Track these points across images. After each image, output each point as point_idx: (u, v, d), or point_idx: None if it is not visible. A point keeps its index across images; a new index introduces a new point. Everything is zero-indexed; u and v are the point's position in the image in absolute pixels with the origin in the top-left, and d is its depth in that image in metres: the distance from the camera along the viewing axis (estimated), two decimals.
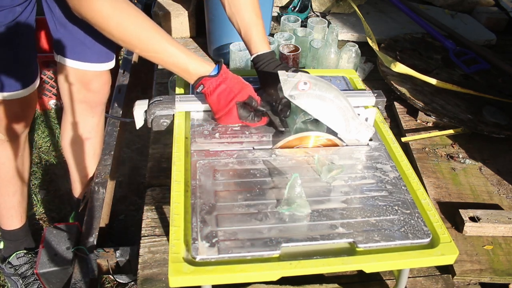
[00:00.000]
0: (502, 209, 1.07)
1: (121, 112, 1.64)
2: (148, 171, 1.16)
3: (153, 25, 0.91)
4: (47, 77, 2.35)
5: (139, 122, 1.01)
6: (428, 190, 1.11)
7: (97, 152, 1.57)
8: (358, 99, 1.07)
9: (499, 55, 1.61)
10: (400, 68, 1.28)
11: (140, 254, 0.95)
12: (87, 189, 1.64)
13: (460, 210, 1.01)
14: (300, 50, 1.39)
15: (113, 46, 1.37)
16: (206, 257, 0.71)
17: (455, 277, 0.93)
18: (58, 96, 2.42)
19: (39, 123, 2.38)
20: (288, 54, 1.37)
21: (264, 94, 1.00)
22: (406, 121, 1.34)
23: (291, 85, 0.89)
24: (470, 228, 0.99)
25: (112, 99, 1.69)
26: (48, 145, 2.24)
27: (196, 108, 1.02)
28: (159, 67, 1.52)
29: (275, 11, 1.86)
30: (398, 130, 1.34)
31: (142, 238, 0.99)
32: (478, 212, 1.01)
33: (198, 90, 0.96)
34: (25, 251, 1.56)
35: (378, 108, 1.08)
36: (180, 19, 1.67)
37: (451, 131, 1.29)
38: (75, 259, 1.18)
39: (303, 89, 0.89)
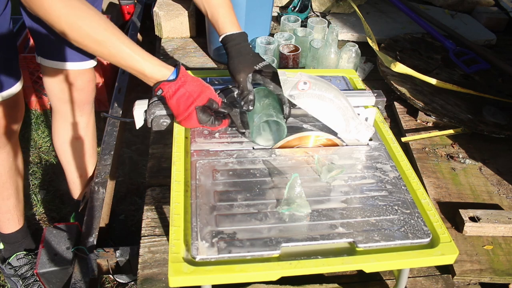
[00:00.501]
0: (502, 209, 1.07)
1: (121, 112, 1.64)
2: (148, 171, 1.16)
3: (109, 27, 0.88)
4: None
5: (139, 122, 1.01)
6: (428, 190, 1.10)
7: (89, 151, 1.57)
8: (358, 99, 1.07)
9: (499, 55, 1.61)
10: (400, 68, 1.28)
11: (140, 254, 0.95)
12: (87, 189, 1.64)
13: (460, 210, 1.01)
14: (300, 50, 1.39)
15: None
16: (206, 257, 0.71)
17: (455, 277, 0.93)
18: None
19: (39, 123, 2.38)
20: (288, 54, 1.37)
21: (229, 94, 0.98)
22: (406, 121, 1.34)
23: (291, 85, 0.89)
24: (470, 228, 0.99)
25: (112, 99, 1.69)
26: (48, 145, 2.24)
27: None
28: None
29: (275, 11, 1.86)
30: (398, 130, 1.34)
31: (142, 238, 0.99)
32: (478, 212, 1.01)
33: (157, 94, 0.94)
34: (25, 252, 1.56)
35: (378, 108, 1.08)
36: (180, 19, 1.67)
37: (451, 131, 1.29)
38: (75, 259, 1.18)
39: (303, 89, 0.89)
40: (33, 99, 2.43)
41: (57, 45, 1.29)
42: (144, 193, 1.11)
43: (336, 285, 0.91)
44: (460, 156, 1.22)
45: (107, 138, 1.52)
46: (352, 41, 1.70)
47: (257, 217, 0.78)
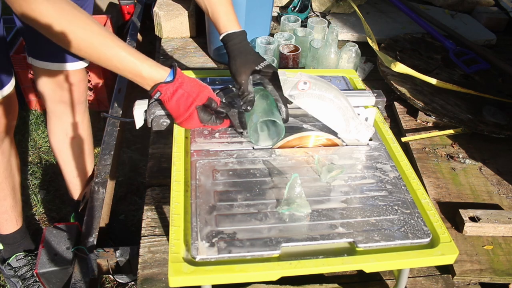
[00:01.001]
0: (502, 209, 1.07)
1: (121, 112, 1.64)
2: (148, 171, 1.16)
3: (103, 31, 0.86)
4: None
5: (139, 122, 1.01)
6: (428, 190, 1.10)
7: (86, 151, 1.57)
8: (358, 99, 1.07)
9: (499, 55, 1.61)
10: (400, 68, 1.28)
11: (140, 254, 0.95)
12: (86, 189, 1.64)
13: (460, 210, 1.01)
14: (300, 50, 1.39)
15: None
16: (206, 257, 0.71)
17: (455, 277, 0.93)
18: None
19: (39, 123, 2.38)
20: (288, 54, 1.37)
21: (227, 94, 0.98)
22: (406, 121, 1.34)
23: (291, 85, 0.89)
24: (470, 228, 0.99)
25: (112, 99, 1.69)
26: (48, 145, 2.24)
27: None
28: None
29: (275, 11, 1.86)
30: (398, 130, 1.34)
31: (142, 238, 0.99)
32: (478, 212, 1.01)
33: (155, 97, 0.93)
34: (24, 253, 1.56)
35: (378, 108, 1.08)
36: (180, 19, 1.67)
37: (451, 131, 1.29)
38: (75, 259, 1.18)
39: (303, 89, 0.89)
40: (33, 99, 2.43)
41: (48, 46, 1.28)
42: (144, 193, 1.11)
43: (336, 285, 0.91)
44: (460, 156, 1.22)
45: (107, 138, 1.52)
46: (352, 41, 1.70)
47: (257, 217, 0.78)
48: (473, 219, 1.00)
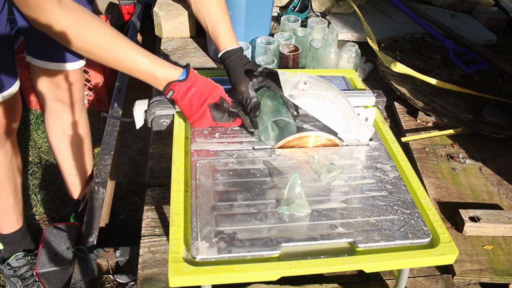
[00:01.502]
0: (502, 209, 1.07)
1: (121, 112, 1.64)
2: (148, 171, 1.16)
3: (115, 34, 0.88)
4: None
5: (139, 122, 1.01)
6: (428, 190, 1.10)
7: (84, 149, 1.57)
8: (358, 99, 1.07)
9: (499, 55, 1.61)
10: (400, 68, 1.28)
11: (140, 254, 0.95)
12: (86, 189, 1.64)
13: (460, 210, 1.01)
14: (300, 50, 1.39)
15: None
16: (206, 257, 0.71)
17: (455, 277, 0.93)
18: None
19: (39, 123, 2.38)
20: (288, 54, 1.37)
21: (235, 94, 0.99)
22: (406, 121, 1.34)
23: (291, 85, 0.89)
24: (470, 228, 0.99)
25: (112, 99, 1.69)
26: (48, 145, 2.24)
27: None
28: None
29: (275, 11, 1.86)
30: (398, 130, 1.34)
31: (142, 238, 0.99)
32: (478, 212, 1.01)
33: (168, 96, 0.94)
34: (24, 252, 1.56)
35: (378, 108, 1.08)
36: (180, 19, 1.67)
37: (451, 131, 1.29)
38: (75, 259, 1.18)
39: (303, 89, 0.89)
40: (33, 99, 2.43)
41: (47, 46, 1.29)
42: (144, 193, 1.11)
43: (336, 285, 0.91)
44: (460, 156, 1.22)
45: (107, 138, 1.53)
46: (352, 41, 1.70)
47: (257, 217, 0.78)
48: (473, 219, 1.00)
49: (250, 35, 1.49)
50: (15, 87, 1.26)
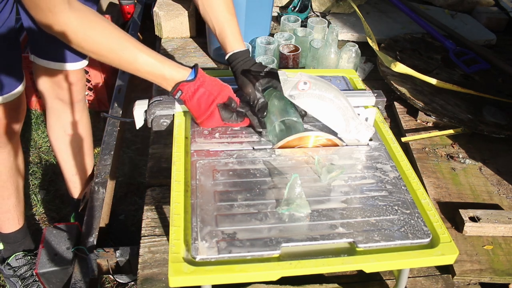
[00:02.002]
0: (502, 209, 1.07)
1: (121, 112, 1.64)
2: (148, 171, 1.16)
3: (123, 35, 0.88)
4: None
5: (139, 122, 1.01)
6: (428, 190, 1.10)
7: (84, 148, 1.57)
8: (358, 99, 1.07)
9: (499, 55, 1.61)
10: (400, 68, 1.28)
11: (140, 254, 0.95)
12: (86, 189, 1.64)
13: (460, 210, 1.01)
14: (300, 50, 1.39)
15: None
16: (206, 257, 0.71)
17: (455, 277, 0.93)
18: None
19: (39, 123, 2.38)
20: (288, 54, 1.37)
21: (243, 93, 0.99)
22: (406, 121, 1.34)
23: (291, 85, 0.89)
24: (470, 228, 0.99)
25: (112, 99, 1.69)
26: (48, 145, 2.24)
27: None
28: None
29: (275, 11, 1.86)
30: (398, 130, 1.34)
31: (142, 238, 0.99)
32: (478, 212, 1.01)
33: (176, 97, 0.94)
34: (24, 252, 1.56)
35: (378, 108, 1.08)
36: (180, 19, 1.67)
37: (451, 131, 1.29)
38: (75, 259, 1.18)
39: (303, 89, 0.89)
40: (33, 99, 2.43)
41: (51, 46, 1.30)
42: (144, 193, 1.11)
43: (336, 285, 0.91)
44: (460, 156, 1.22)
45: (107, 138, 1.53)
46: (352, 41, 1.70)
47: (257, 217, 0.78)
48: (473, 219, 1.00)
49: (250, 35, 1.49)
50: (21, 88, 1.27)
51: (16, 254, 1.55)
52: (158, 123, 0.99)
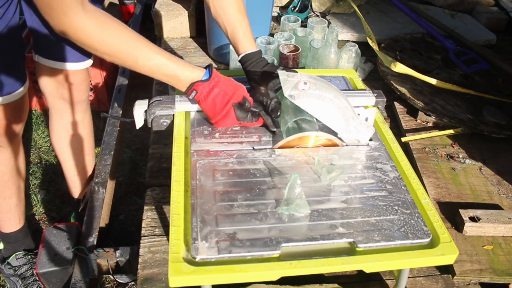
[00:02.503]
0: (502, 209, 1.07)
1: (121, 112, 1.64)
2: (148, 171, 1.16)
3: (137, 37, 0.88)
4: None
5: (139, 122, 1.01)
6: (428, 190, 1.10)
7: (86, 149, 1.57)
8: (358, 99, 1.07)
9: (499, 55, 1.61)
10: (400, 68, 1.28)
11: (140, 254, 0.95)
12: (87, 189, 1.64)
13: (460, 210, 1.01)
14: (300, 50, 1.39)
15: None
16: (206, 257, 0.71)
17: (455, 277, 0.93)
18: None
19: (39, 123, 2.38)
20: (288, 54, 1.37)
21: (256, 94, 0.99)
22: (406, 121, 1.34)
23: (291, 85, 0.89)
24: (470, 228, 0.99)
25: (112, 99, 1.69)
26: (48, 145, 2.24)
27: (196, 108, 1.02)
28: None
29: (275, 11, 1.86)
30: (398, 130, 1.34)
31: (142, 238, 0.99)
32: (478, 212, 1.01)
33: (190, 97, 0.94)
34: (24, 252, 1.57)
35: (378, 108, 1.08)
36: (180, 19, 1.67)
37: (451, 131, 1.29)
38: (75, 259, 1.18)
39: (303, 89, 0.89)
40: (33, 99, 2.42)
41: (56, 45, 1.30)
42: (144, 193, 1.11)
43: (336, 285, 0.91)
44: (460, 156, 1.22)
45: (107, 138, 1.53)
46: (352, 41, 1.70)
47: (257, 217, 0.78)
48: (473, 219, 1.00)
49: None
50: (23, 88, 1.27)
51: (17, 253, 1.55)
52: (158, 123, 0.99)
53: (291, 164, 0.90)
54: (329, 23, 1.68)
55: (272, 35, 1.53)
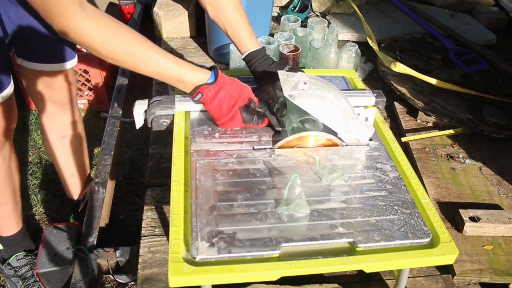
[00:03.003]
0: (502, 209, 1.07)
1: (121, 112, 1.64)
2: (148, 171, 1.16)
3: (141, 39, 0.87)
4: None
5: (139, 122, 1.01)
6: (428, 190, 1.10)
7: (79, 149, 1.56)
8: (358, 99, 1.07)
9: (499, 55, 1.61)
10: (400, 68, 1.28)
11: (140, 254, 0.95)
12: (86, 189, 1.64)
13: (460, 210, 1.01)
14: (300, 50, 1.39)
15: (73, 45, 1.34)
16: (206, 257, 0.71)
17: (455, 277, 0.93)
18: None
19: (39, 123, 2.38)
20: (288, 54, 1.37)
21: (262, 94, 0.99)
22: (406, 121, 1.34)
23: (291, 85, 0.89)
24: (470, 228, 0.99)
25: (112, 99, 1.69)
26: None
27: (196, 108, 1.02)
28: None
29: (275, 11, 1.86)
30: (398, 130, 1.34)
31: (142, 238, 0.99)
32: (478, 212, 1.01)
33: (196, 99, 0.94)
34: (25, 252, 1.56)
35: (378, 108, 1.08)
36: (180, 19, 1.67)
37: (451, 131, 1.29)
38: (75, 259, 1.18)
39: (303, 89, 0.89)
40: None
41: (38, 47, 1.27)
42: (144, 193, 1.11)
43: (336, 285, 0.91)
44: (460, 156, 1.22)
45: (107, 138, 1.52)
46: (352, 41, 1.70)
47: (257, 217, 0.78)
48: (473, 219, 1.00)
49: None
50: (8, 90, 1.24)
51: (17, 254, 1.55)
52: (158, 123, 0.99)
53: (291, 164, 0.90)
54: (329, 23, 1.68)
55: (272, 35, 1.53)
